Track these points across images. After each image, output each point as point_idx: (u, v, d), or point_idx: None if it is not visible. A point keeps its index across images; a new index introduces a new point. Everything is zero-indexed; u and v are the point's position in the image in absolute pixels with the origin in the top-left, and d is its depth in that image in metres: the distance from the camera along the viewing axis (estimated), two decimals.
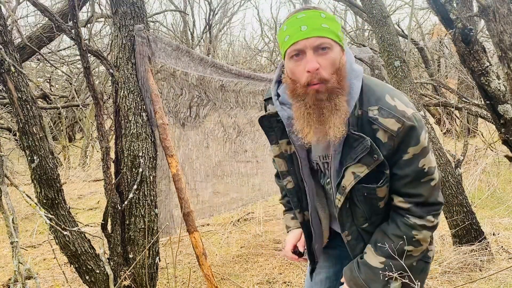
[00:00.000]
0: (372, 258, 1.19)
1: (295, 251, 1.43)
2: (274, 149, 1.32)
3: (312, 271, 1.47)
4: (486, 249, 2.90)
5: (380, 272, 1.16)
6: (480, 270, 2.75)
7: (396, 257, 1.14)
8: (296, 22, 1.11)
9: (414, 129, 1.09)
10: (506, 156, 2.41)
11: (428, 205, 1.15)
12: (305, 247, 1.41)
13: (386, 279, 1.16)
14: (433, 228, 1.17)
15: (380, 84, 1.18)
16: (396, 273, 1.15)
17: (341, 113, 1.10)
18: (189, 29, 12.26)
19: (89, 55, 2.32)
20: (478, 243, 2.93)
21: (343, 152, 1.15)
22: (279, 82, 1.26)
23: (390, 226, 1.18)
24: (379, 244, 1.18)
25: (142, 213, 2.37)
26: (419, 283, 1.22)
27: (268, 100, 1.34)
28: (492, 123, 2.85)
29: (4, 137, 7.66)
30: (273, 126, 1.29)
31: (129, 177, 2.37)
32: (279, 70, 1.27)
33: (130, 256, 2.38)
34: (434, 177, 1.14)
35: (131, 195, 2.32)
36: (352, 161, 1.14)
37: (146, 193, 2.38)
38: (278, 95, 1.25)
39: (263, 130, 1.33)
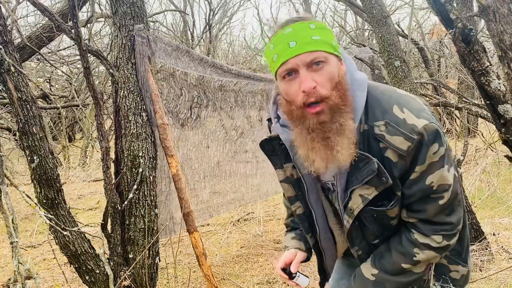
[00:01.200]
0: (366, 269, 1.13)
1: (285, 270, 1.31)
2: (279, 173, 1.21)
3: (322, 284, 1.39)
4: (486, 249, 2.90)
5: (372, 285, 1.11)
6: (480, 270, 2.75)
7: (391, 273, 1.08)
8: (284, 38, 1.00)
9: (423, 144, 0.97)
10: (506, 156, 2.40)
11: (433, 223, 1.03)
12: (299, 271, 1.29)
13: None
14: (440, 249, 1.04)
15: (387, 92, 1.05)
16: None
17: (348, 133, 0.99)
18: (189, 29, 12.27)
19: (89, 55, 2.32)
20: (478, 243, 2.93)
21: (349, 173, 1.05)
22: (277, 103, 1.16)
23: (395, 240, 1.10)
24: (378, 256, 1.11)
25: (142, 213, 2.37)
26: None
27: (270, 120, 1.21)
28: (492, 123, 2.85)
29: (4, 137, 7.66)
30: (275, 150, 1.18)
31: (129, 177, 2.36)
32: (275, 91, 1.16)
33: (130, 256, 2.38)
34: (443, 195, 1.00)
35: (131, 195, 2.32)
36: (358, 183, 1.03)
37: (146, 193, 2.38)
38: (278, 117, 1.14)
39: (265, 155, 1.22)
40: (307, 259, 1.34)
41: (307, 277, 1.30)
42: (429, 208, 1.02)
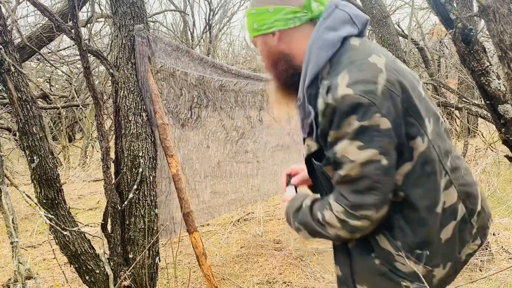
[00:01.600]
0: (309, 199, 1.19)
1: (288, 175, 1.41)
2: None
3: None
4: (486, 249, 2.90)
5: (301, 212, 1.17)
6: (480, 270, 2.75)
7: (312, 214, 1.14)
8: None
9: (337, 112, 1.00)
10: (506, 156, 2.41)
11: (337, 191, 1.07)
12: (295, 185, 1.37)
13: (297, 221, 1.18)
14: (340, 222, 1.05)
15: (354, 57, 1.06)
16: (299, 225, 1.17)
17: (275, 96, 1.25)
18: (189, 29, 12.27)
19: (89, 55, 2.32)
20: None
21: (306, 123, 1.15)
22: None
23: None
24: (320, 198, 1.18)
25: (142, 213, 2.37)
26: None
27: None
28: (492, 123, 2.85)
29: (4, 137, 7.66)
30: None
31: (129, 177, 2.37)
32: None
33: (130, 256, 2.39)
34: (342, 167, 1.02)
35: (131, 195, 2.32)
36: (304, 133, 1.13)
37: (146, 193, 2.38)
38: None
39: None
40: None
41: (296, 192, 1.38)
42: (335, 175, 1.06)
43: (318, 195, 1.22)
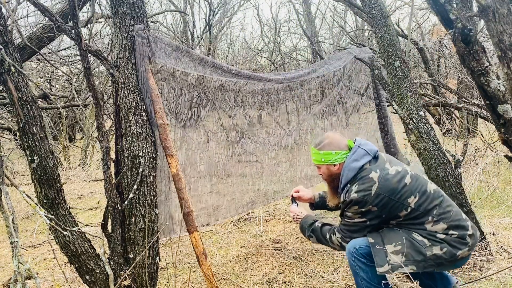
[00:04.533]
0: (319, 221, 2.35)
1: (293, 195, 2.56)
2: None
3: None
4: (486, 249, 2.90)
5: (312, 225, 2.34)
6: (480, 270, 2.75)
7: (321, 232, 2.29)
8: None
9: (349, 203, 2.08)
10: (506, 156, 2.41)
11: (340, 226, 2.22)
12: (297, 202, 2.57)
13: (310, 232, 2.34)
14: (338, 241, 2.19)
15: (362, 177, 2.06)
16: (312, 235, 2.34)
17: (330, 191, 2.34)
18: (189, 29, 12.28)
19: (89, 55, 2.32)
20: (478, 243, 2.92)
21: None
22: None
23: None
24: (327, 223, 2.33)
25: (142, 213, 2.37)
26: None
27: None
28: (492, 123, 2.85)
29: (4, 137, 7.67)
30: None
31: (129, 177, 2.37)
32: None
33: (130, 256, 2.39)
34: (347, 220, 2.15)
35: (131, 195, 2.33)
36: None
37: (146, 193, 2.38)
38: None
39: None
40: (311, 204, 2.60)
41: (297, 207, 2.52)
42: (342, 220, 2.23)
43: (325, 220, 2.38)
